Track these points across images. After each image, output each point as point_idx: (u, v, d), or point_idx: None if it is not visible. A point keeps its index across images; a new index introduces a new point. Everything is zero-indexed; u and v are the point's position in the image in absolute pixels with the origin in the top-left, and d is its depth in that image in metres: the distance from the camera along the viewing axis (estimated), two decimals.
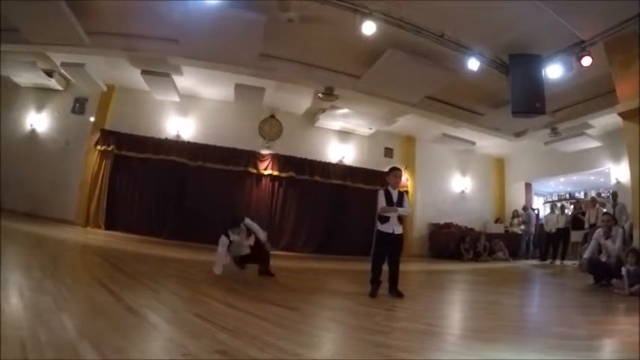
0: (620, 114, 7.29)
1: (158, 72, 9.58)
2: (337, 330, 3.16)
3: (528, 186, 14.91)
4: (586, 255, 6.73)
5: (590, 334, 3.21)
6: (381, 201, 4.72)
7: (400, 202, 4.78)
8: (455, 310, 4.72)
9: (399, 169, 4.96)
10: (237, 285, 4.55)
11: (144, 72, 9.54)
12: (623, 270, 5.68)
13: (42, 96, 11.01)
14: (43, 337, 2.05)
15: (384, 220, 4.70)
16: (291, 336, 2.61)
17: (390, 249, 4.72)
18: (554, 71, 7.76)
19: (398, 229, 4.74)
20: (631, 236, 7.36)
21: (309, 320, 3.33)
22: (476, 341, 2.89)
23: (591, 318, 4.06)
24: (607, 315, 4.41)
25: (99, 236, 8.92)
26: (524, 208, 13.41)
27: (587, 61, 7.23)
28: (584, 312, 4.47)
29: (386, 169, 5.07)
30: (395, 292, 4.59)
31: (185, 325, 2.72)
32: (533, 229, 12.92)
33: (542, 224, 12.39)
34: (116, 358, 1.89)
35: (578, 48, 7.26)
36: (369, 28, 6.81)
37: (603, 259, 6.45)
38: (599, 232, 6.72)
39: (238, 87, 9.75)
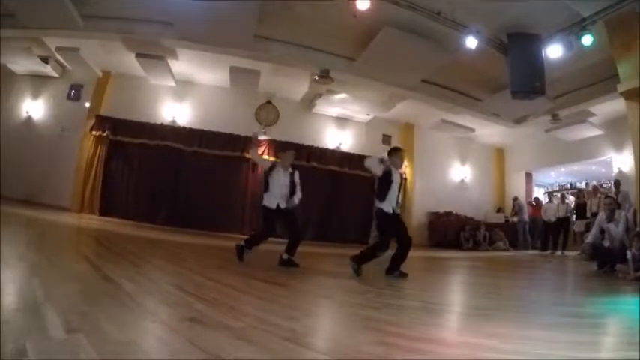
0: (622, 93, 7.21)
1: (153, 55, 9.41)
2: (324, 304, 3.01)
3: (529, 176, 14.72)
4: (589, 240, 6.57)
5: (595, 313, 3.08)
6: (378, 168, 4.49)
7: (402, 184, 4.64)
8: (453, 290, 4.58)
9: (403, 151, 4.79)
10: (225, 263, 4.41)
11: (138, 55, 9.39)
12: (628, 254, 5.54)
13: (38, 83, 10.92)
14: (7, 299, 1.95)
15: (384, 198, 4.46)
16: (272, 308, 2.47)
17: (398, 228, 4.53)
18: (554, 51, 7.58)
19: (397, 209, 4.57)
20: (635, 223, 7.21)
21: (295, 295, 3.17)
22: (473, 317, 2.75)
23: (595, 299, 3.92)
24: (611, 296, 4.24)
25: (92, 221, 8.79)
26: (515, 199, 13.23)
27: (587, 40, 7.06)
28: (588, 294, 4.33)
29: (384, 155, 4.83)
30: (398, 272, 4.40)
31: (162, 295, 2.59)
32: (526, 218, 12.76)
33: None
34: (77, 320, 1.75)
35: (579, 27, 7.08)
36: (363, 3, 6.59)
37: (606, 244, 6.29)
38: (601, 216, 6.56)
39: (233, 70, 9.57)
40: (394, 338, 1.98)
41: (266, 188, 4.79)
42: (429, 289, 4.20)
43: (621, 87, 7.25)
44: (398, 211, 4.60)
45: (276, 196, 4.74)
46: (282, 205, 4.73)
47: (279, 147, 11.11)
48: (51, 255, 3.52)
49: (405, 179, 12.12)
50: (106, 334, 1.60)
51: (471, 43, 7.50)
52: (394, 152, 4.71)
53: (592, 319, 2.84)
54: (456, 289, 4.66)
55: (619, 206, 7.13)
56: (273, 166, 4.92)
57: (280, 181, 4.79)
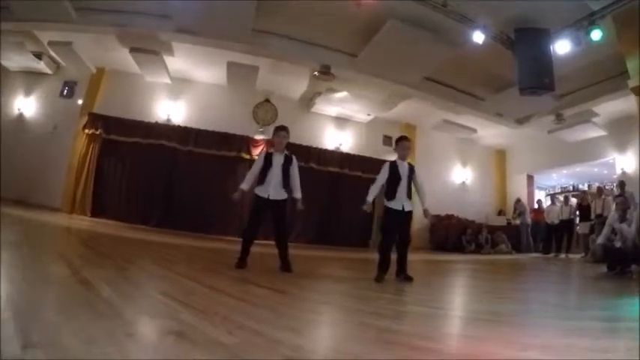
0: (632, 89, 7.11)
1: (148, 50, 9.12)
2: (332, 313, 2.68)
3: (530, 178, 14.54)
4: (600, 241, 6.31)
5: (625, 316, 2.81)
6: (382, 176, 4.30)
7: (411, 176, 4.34)
8: (462, 295, 4.28)
9: (408, 139, 4.51)
10: (219, 266, 4.10)
11: (133, 50, 9.11)
12: None
13: (31, 80, 10.67)
14: None
15: (392, 195, 4.26)
16: (272, 319, 2.16)
17: (400, 227, 4.31)
18: (562, 47, 7.38)
19: (408, 206, 4.29)
20: None
21: (298, 303, 2.84)
22: (496, 325, 2.46)
23: (620, 301, 3.66)
24: (635, 298, 3.96)
25: (83, 222, 8.45)
26: (517, 200, 13.01)
27: (596, 34, 6.89)
28: (610, 296, 4.06)
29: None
30: (403, 275, 4.18)
31: (145, 302, 2.27)
32: (529, 220, 12.53)
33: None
34: (39, 333, 1.45)
35: (588, 21, 6.92)
36: None
37: (617, 245, 6.03)
38: (613, 216, 6.33)
39: (231, 65, 9.25)
40: (417, 353, 1.69)
41: (262, 179, 4.32)
42: (439, 294, 3.94)
43: (631, 83, 7.13)
44: (409, 208, 4.32)
45: (268, 185, 4.26)
46: (274, 197, 4.27)
47: None
48: (26, 254, 3.21)
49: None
50: (68, 351, 1.30)
51: (478, 37, 7.25)
52: (398, 142, 4.46)
53: (626, 323, 2.57)
54: (466, 293, 4.36)
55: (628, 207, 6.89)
56: (268, 155, 4.45)
57: (274, 168, 4.32)
